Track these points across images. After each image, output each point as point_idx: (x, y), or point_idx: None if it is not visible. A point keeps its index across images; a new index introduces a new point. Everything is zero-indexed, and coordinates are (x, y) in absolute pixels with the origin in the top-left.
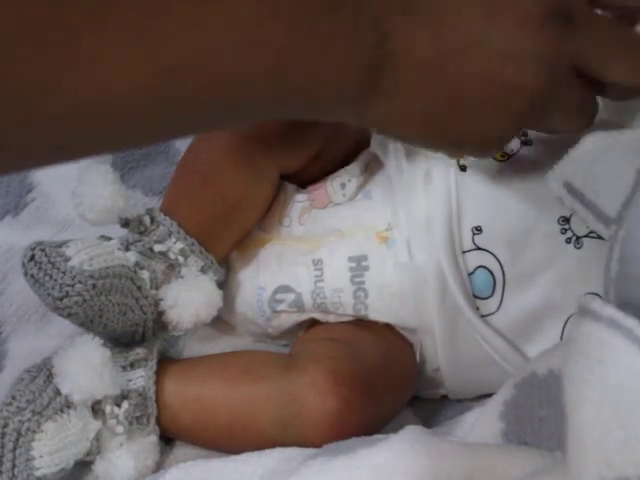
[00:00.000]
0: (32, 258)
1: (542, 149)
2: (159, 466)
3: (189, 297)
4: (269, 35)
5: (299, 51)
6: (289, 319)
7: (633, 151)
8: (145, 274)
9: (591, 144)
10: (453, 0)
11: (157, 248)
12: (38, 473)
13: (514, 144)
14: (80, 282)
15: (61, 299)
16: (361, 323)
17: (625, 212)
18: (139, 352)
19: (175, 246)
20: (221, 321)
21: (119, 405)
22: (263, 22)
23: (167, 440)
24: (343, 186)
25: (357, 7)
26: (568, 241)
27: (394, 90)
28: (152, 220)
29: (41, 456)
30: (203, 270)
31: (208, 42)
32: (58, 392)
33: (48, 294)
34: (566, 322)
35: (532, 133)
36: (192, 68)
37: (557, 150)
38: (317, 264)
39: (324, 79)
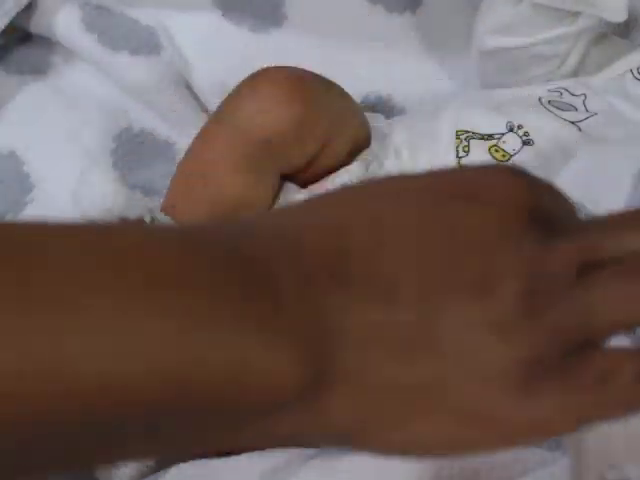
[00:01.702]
0: None
1: (543, 149)
2: (159, 466)
3: None
4: (148, 329)
5: (193, 346)
6: None
7: (626, 157)
8: None
9: (587, 158)
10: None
11: None
12: None
13: (515, 144)
14: None
15: None
16: None
17: None
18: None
19: None
20: None
21: None
22: (135, 314)
23: None
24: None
25: (275, 280)
26: None
27: (355, 373)
28: (152, 220)
29: None
30: None
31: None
32: None
33: None
34: None
35: (533, 133)
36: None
37: (558, 150)
38: None
39: (238, 381)
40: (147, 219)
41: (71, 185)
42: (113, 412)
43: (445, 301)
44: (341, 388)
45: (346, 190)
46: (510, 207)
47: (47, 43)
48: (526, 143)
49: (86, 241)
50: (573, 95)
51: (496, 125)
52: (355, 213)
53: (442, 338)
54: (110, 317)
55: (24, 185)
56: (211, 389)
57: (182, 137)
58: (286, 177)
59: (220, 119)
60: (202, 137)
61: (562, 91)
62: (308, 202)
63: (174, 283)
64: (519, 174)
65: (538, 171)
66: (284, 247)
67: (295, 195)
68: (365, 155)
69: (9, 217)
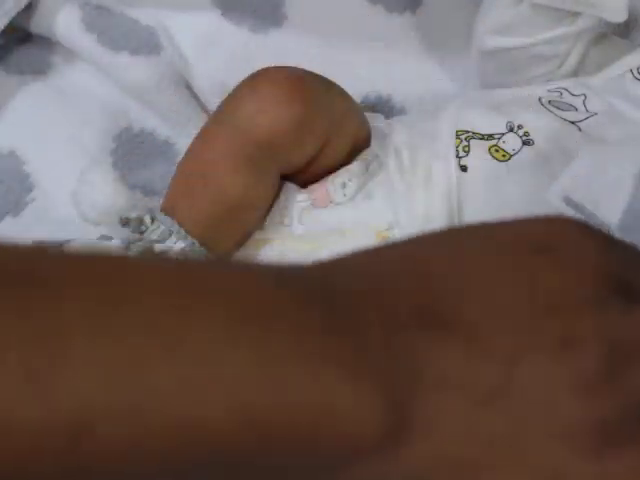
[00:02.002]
0: None
1: (543, 149)
2: None
3: None
4: (225, 364)
5: (269, 388)
6: None
7: (627, 159)
8: None
9: (587, 158)
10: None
11: (158, 248)
12: None
13: (515, 144)
14: None
15: None
16: None
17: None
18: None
19: (176, 246)
20: None
21: None
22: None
23: None
24: (344, 186)
25: (364, 319)
26: None
27: (435, 419)
28: (153, 220)
29: None
30: None
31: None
32: None
33: None
34: None
35: (533, 133)
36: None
37: (558, 150)
38: None
39: (317, 424)
40: (147, 219)
41: (71, 185)
42: (192, 455)
43: (527, 356)
44: (421, 434)
45: (434, 237)
46: (589, 269)
47: (47, 43)
48: (526, 143)
49: (183, 274)
50: (573, 95)
51: (496, 125)
52: (442, 260)
53: (522, 391)
54: (204, 350)
55: (24, 185)
56: (290, 431)
57: (182, 137)
58: (286, 177)
59: (220, 119)
60: (202, 137)
61: (562, 91)
62: (397, 245)
63: (263, 316)
64: (596, 233)
65: (538, 171)
66: (375, 287)
67: (296, 195)
68: (365, 155)
69: (9, 217)
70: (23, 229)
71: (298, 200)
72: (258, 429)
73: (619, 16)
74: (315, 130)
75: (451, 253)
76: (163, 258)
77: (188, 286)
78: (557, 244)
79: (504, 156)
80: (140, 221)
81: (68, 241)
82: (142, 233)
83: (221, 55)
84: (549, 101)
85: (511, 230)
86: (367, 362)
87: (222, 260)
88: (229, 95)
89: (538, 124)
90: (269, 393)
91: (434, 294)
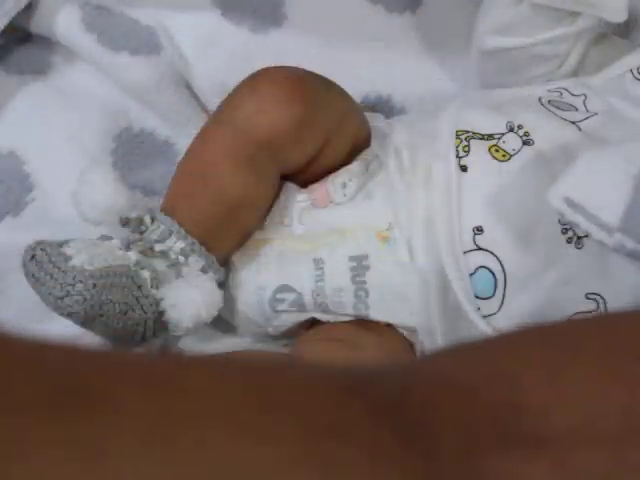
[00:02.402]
0: (33, 257)
1: (543, 149)
2: None
3: (190, 297)
4: None
5: None
6: (290, 319)
7: (627, 159)
8: (146, 273)
9: (587, 159)
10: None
11: (158, 247)
12: None
13: (515, 144)
14: (81, 281)
15: (62, 298)
16: (362, 323)
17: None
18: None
19: (176, 245)
20: (221, 321)
21: None
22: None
23: None
24: (344, 185)
25: (436, 433)
26: (569, 241)
27: None
28: (153, 220)
29: None
30: (204, 270)
31: None
32: None
33: (49, 293)
34: None
35: (533, 133)
36: None
37: (558, 150)
38: (318, 264)
39: None
40: (147, 219)
41: (71, 185)
42: None
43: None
44: None
45: (518, 335)
46: None
47: (47, 43)
48: (526, 143)
49: (245, 384)
50: (573, 95)
51: (496, 125)
52: (530, 363)
53: None
54: (269, 471)
55: (24, 185)
56: None
57: (182, 137)
58: (286, 177)
59: (220, 119)
60: (202, 137)
61: (562, 91)
62: (484, 347)
63: (334, 432)
64: None
65: (538, 171)
66: (450, 394)
67: (296, 194)
68: (365, 155)
69: (9, 217)
70: (23, 229)
71: (298, 200)
72: None
73: (619, 16)
74: (315, 130)
75: (546, 356)
76: (223, 360)
77: (251, 400)
78: None
79: (504, 156)
80: (140, 221)
81: (68, 241)
82: (142, 233)
83: (221, 55)
84: (549, 101)
85: (611, 335)
86: None
87: (285, 362)
88: (229, 95)
89: (538, 124)
90: None
91: (524, 404)
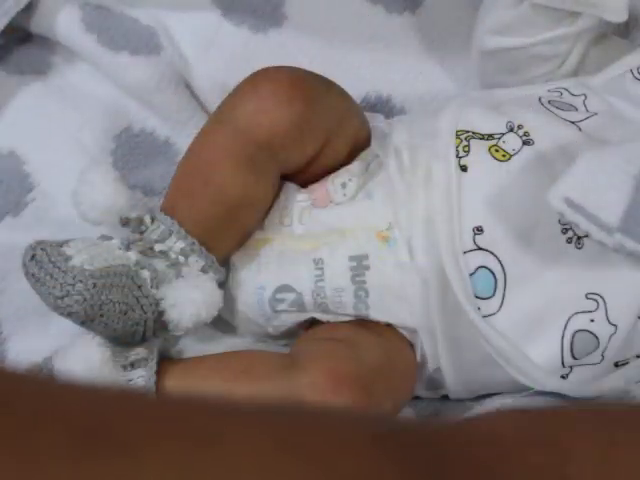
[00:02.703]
0: (33, 257)
1: (543, 149)
2: None
3: (190, 297)
4: None
5: None
6: (290, 319)
7: (627, 159)
8: (146, 273)
9: (587, 159)
10: None
11: (158, 247)
12: None
13: (515, 144)
14: (81, 281)
15: (62, 298)
16: (362, 323)
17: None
18: (139, 352)
19: (176, 245)
20: (221, 321)
21: None
22: None
23: None
24: (344, 185)
25: None
26: (569, 241)
27: None
28: (153, 220)
29: None
30: (204, 270)
31: None
32: None
33: (49, 293)
34: (567, 322)
35: (533, 133)
36: None
37: (558, 150)
38: (318, 263)
39: None
40: (147, 219)
41: (71, 185)
42: None
43: None
44: None
45: (570, 410)
46: None
47: (47, 43)
48: (526, 143)
49: (274, 432)
50: (573, 95)
51: (496, 125)
52: (582, 437)
53: None
54: None
55: (24, 185)
56: None
57: (182, 137)
58: (286, 177)
59: (220, 119)
60: (202, 137)
61: (562, 91)
62: (526, 413)
63: None
64: None
65: (538, 171)
66: (497, 458)
67: (296, 194)
68: (365, 155)
69: (9, 217)
70: (23, 229)
71: (298, 200)
72: None
73: (619, 16)
74: (315, 130)
75: (598, 433)
76: (254, 407)
77: (283, 454)
78: None
79: (504, 156)
80: (140, 221)
81: (68, 241)
82: (142, 233)
83: (221, 55)
84: (549, 101)
85: None
86: None
87: (314, 410)
88: (229, 95)
89: (538, 124)
90: None
91: (572, 477)
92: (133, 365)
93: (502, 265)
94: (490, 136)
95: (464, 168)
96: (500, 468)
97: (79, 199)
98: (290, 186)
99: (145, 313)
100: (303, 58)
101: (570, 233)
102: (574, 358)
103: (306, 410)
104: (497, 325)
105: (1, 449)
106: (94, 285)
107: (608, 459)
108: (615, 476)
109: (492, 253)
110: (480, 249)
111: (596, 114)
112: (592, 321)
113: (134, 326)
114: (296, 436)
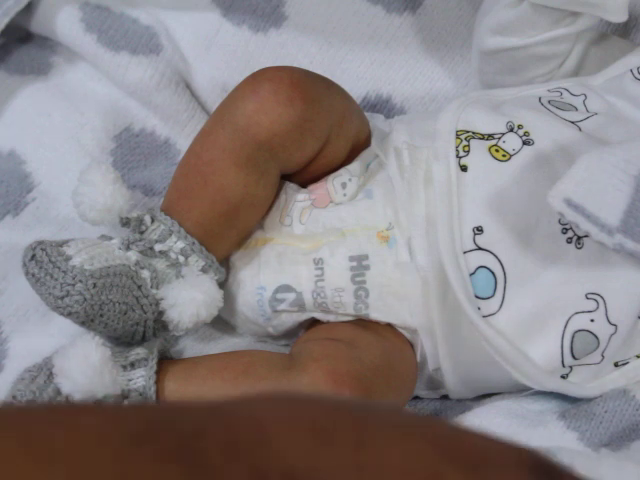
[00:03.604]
0: (33, 257)
1: (543, 149)
2: None
3: (190, 297)
4: None
5: None
6: (290, 319)
7: (626, 160)
8: (146, 273)
9: (587, 159)
10: None
11: (158, 247)
12: None
13: (515, 144)
14: (81, 281)
15: (62, 298)
16: (361, 323)
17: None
18: (139, 352)
19: (176, 245)
20: (221, 321)
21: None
22: None
23: None
24: (344, 185)
25: None
26: (569, 241)
27: None
28: (153, 219)
29: None
30: (204, 270)
31: None
32: (59, 392)
33: (49, 293)
34: (567, 322)
35: (533, 133)
36: None
37: (558, 150)
38: (318, 263)
39: None
40: (147, 219)
41: (71, 185)
42: None
43: None
44: None
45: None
46: None
47: (47, 43)
48: (526, 143)
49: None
50: (573, 95)
51: (496, 125)
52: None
53: None
54: None
55: (24, 185)
56: None
57: (182, 137)
58: (286, 177)
59: (220, 119)
60: (202, 137)
61: (562, 91)
62: (289, 399)
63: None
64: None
65: (538, 171)
66: (256, 442)
67: (296, 194)
68: (365, 155)
69: (9, 217)
70: (23, 229)
71: (298, 200)
72: None
73: (619, 16)
74: (315, 130)
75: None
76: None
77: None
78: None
79: (504, 156)
80: (140, 221)
81: (68, 241)
82: (142, 233)
83: (221, 55)
84: (549, 101)
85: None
86: None
87: (79, 407)
88: (229, 95)
89: (538, 124)
90: None
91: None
92: (133, 365)
93: (502, 265)
94: (490, 136)
95: (464, 168)
96: (260, 452)
97: (79, 199)
98: (290, 186)
99: (145, 313)
100: (303, 58)
101: (570, 233)
102: (574, 358)
103: (63, 409)
104: (497, 325)
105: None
106: (94, 285)
107: (363, 444)
108: (369, 456)
109: (492, 253)
110: (480, 249)
111: (596, 114)
112: (592, 321)
113: (134, 326)
114: (44, 434)
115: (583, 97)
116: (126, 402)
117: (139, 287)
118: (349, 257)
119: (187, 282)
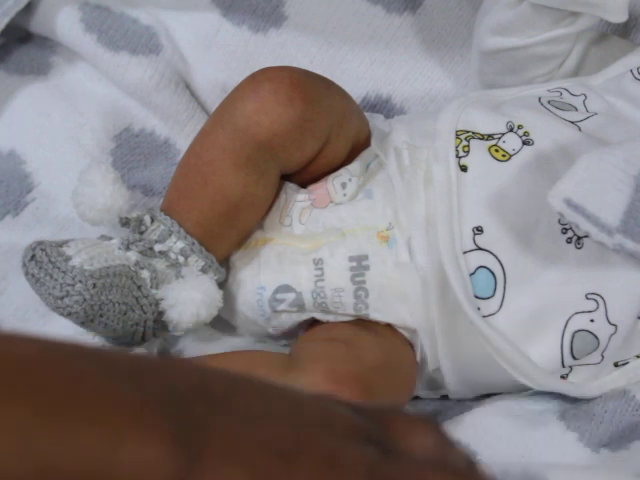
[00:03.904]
0: (33, 257)
1: (543, 149)
2: None
3: (189, 297)
4: None
5: None
6: (289, 319)
7: (626, 160)
8: (145, 273)
9: (587, 159)
10: None
11: (157, 247)
12: None
13: (515, 144)
14: (80, 281)
15: (61, 298)
16: (361, 323)
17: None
18: (139, 352)
19: (176, 245)
20: (221, 321)
21: None
22: None
23: None
24: (344, 185)
25: None
26: (569, 241)
27: None
28: (152, 220)
29: None
30: (204, 270)
31: None
32: None
33: (49, 293)
34: (567, 322)
35: (533, 133)
36: None
37: (557, 150)
38: (318, 263)
39: None
40: (147, 219)
41: (71, 185)
42: None
43: None
44: None
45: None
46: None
47: (47, 43)
48: (526, 143)
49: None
50: (573, 95)
51: (496, 125)
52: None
53: None
54: None
55: (24, 185)
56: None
57: (182, 137)
58: (286, 177)
59: (220, 119)
60: (202, 137)
61: (562, 91)
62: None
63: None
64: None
65: (538, 171)
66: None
67: (296, 194)
68: (365, 155)
69: (9, 217)
70: (23, 229)
71: (298, 200)
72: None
73: (619, 16)
74: (315, 130)
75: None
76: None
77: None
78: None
79: (504, 156)
80: (140, 221)
81: (68, 241)
82: (142, 233)
83: (221, 55)
84: (549, 101)
85: None
86: (156, 414)
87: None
88: (229, 95)
89: (538, 124)
90: (59, 443)
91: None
92: None
93: (502, 265)
94: (490, 136)
95: (464, 168)
96: (236, 400)
97: (79, 199)
98: (290, 186)
99: (145, 313)
100: (303, 58)
101: (570, 233)
102: (574, 358)
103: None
104: (497, 325)
105: None
106: (94, 285)
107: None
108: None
109: (492, 253)
110: (480, 249)
111: (596, 114)
112: (592, 321)
113: (134, 326)
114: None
115: (583, 97)
116: None
117: (139, 287)
118: (349, 257)
119: (187, 282)
